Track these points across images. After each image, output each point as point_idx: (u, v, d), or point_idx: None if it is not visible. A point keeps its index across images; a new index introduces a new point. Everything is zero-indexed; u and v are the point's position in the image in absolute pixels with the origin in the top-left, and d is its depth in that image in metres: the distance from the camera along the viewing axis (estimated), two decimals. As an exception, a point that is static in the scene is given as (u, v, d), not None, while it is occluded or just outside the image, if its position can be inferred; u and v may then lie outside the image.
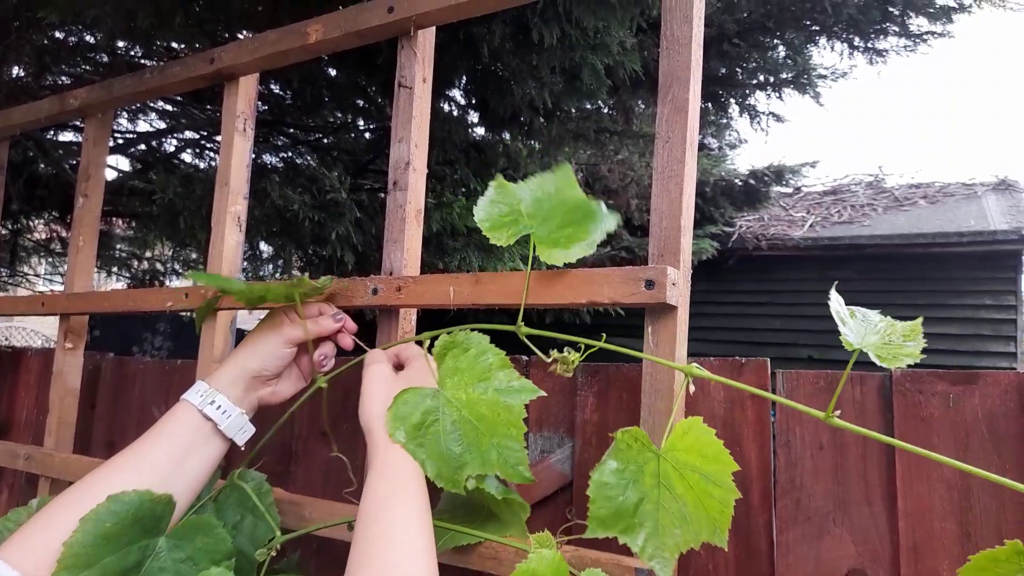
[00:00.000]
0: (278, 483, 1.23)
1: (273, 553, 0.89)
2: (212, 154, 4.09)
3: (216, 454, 0.89)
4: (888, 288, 5.78)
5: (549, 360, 0.84)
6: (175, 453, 0.84)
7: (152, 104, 4.17)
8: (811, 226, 6.36)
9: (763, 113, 3.22)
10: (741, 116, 3.29)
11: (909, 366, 0.74)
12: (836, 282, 0.81)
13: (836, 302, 0.75)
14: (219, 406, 0.87)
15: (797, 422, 0.85)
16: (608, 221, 0.85)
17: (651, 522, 0.73)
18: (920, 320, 0.72)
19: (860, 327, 0.74)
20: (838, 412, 0.71)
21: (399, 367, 0.91)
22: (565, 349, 0.89)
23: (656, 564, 0.73)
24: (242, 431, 0.91)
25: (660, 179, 0.85)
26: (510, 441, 0.80)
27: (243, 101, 1.27)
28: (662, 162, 0.86)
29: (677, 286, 0.82)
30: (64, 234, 4.85)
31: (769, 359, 0.88)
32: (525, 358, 1.01)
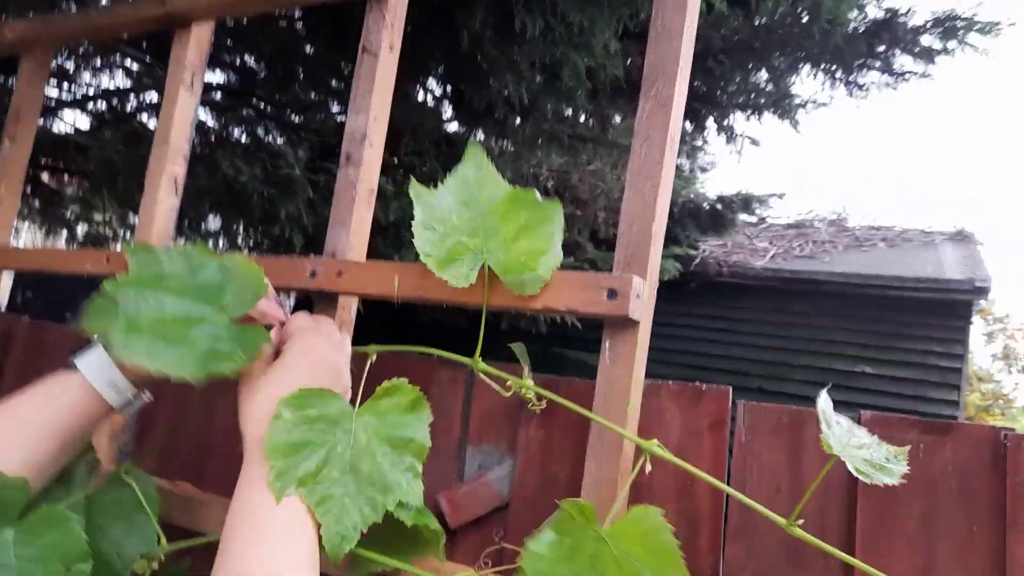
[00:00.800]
0: (192, 479, 1.12)
1: (155, 566, 0.78)
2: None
3: (92, 430, 0.79)
4: (842, 326, 5.84)
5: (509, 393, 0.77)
6: (50, 434, 0.72)
7: (118, 62, 3.99)
8: (772, 257, 6.41)
9: (740, 135, 3.20)
10: (719, 135, 3.26)
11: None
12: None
13: (824, 401, 0.69)
14: (117, 386, 0.76)
15: (755, 460, 0.78)
16: (558, 214, 0.77)
17: None
18: (908, 448, 0.66)
19: (844, 435, 0.67)
20: (801, 521, 0.64)
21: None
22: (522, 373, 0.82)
23: None
24: (135, 405, 0.80)
25: (635, 180, 0.78)
26: (355, 515, 0.68)
27: (194, 51, 1.16)
28: (638, 162, 0.78)
29: (642, 299, 0.74)
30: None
31: (731, 388, 0.81)
32: (465, 362, 0.92)
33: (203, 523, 0.93)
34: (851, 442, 0.67)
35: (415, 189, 0.80)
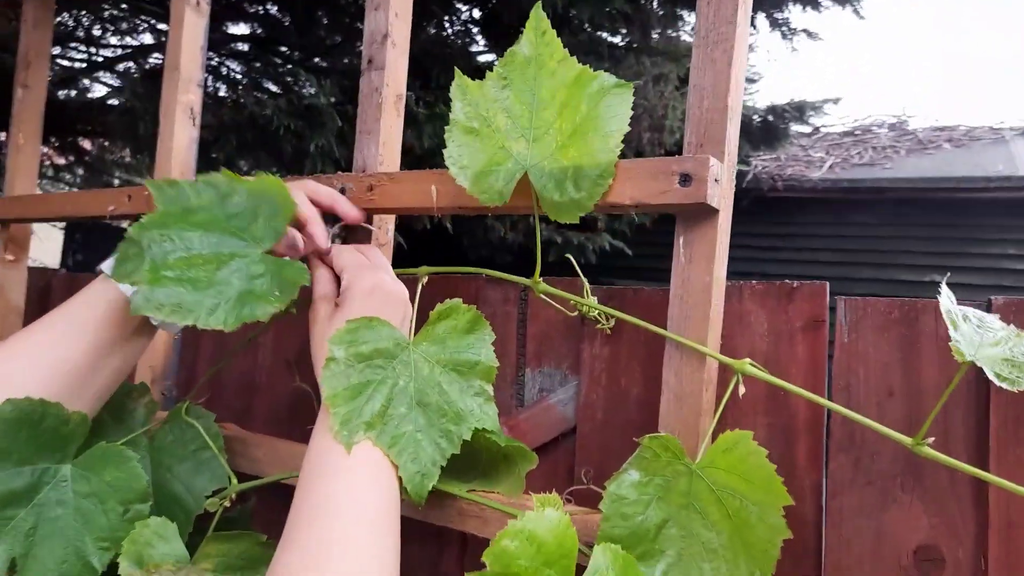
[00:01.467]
0: (238, 419, 1.07)
1: (227, 503, 0.73)
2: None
3: (139, 350, 0.73)
4: (908, 235, 5.54)
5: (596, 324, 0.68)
6: (91, 347, 0.67)
7: (146, 20, 3.92)
8: (830, 167, 6.09)
9: (796, 29, 2.94)
10: (772, 31, 3.01)
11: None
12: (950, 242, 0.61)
13: (947, 298, 0.57)
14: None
15: (861, 362, 0.68)
16: (626, 104, 0.65)
17: (674, 550, 0.59)
18: None
19: (975, 334, 0.56)
20: (931, 440, 0.54)
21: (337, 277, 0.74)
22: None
23: None
24: None
25: (702, 47, 0.66)
26: (431, 450, 0.64)
27: (194, -35, 1.06)
28: (706, 24, 0.66)
29: (721, 183, 0.63)
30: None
31: (828, 283, 0.70)
32: (524, 283, 0.83)
33: (253, 464, 0.88)
34: (984, 340, 0.56)
35: (459, 81, 0.69)
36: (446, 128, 0.70)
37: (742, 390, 0.62)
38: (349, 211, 0.78)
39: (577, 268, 0.77)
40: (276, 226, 0.69)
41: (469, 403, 0.66)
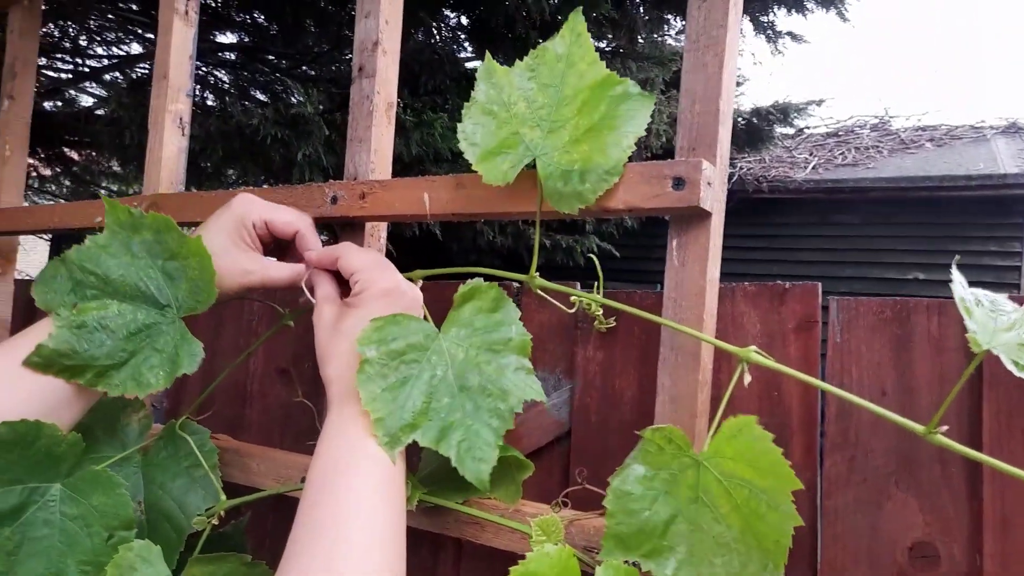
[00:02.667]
0: (229, 429, 1.07)
1: (215, 522, 0.73)
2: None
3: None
4: (891, 233, 5.60)
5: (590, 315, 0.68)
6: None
7: (133, 31, 3.90)
8: (814, 168, 6.15)
9: (781, 32, 2.96)
10: (757, 35, 3.04)
11: (1010, 295, 0.58)
12: (959, 258, 0.61)
13: (959, 285, 0.57)
14: None
15: (854, 361, 0.68)
16: (644, 113, 0.65)
17: (684, 546, 0.57)
18: None
19: (989, 319, 0.55)
20: (944, 428, 0.53)
21: (341, 281, 0.73)
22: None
23: None
24: None
25: (693, 51, 0.66)
26: (484, 432, 0.63)
27: (182, -26, 1.05)
28: (696, 28, 0.67)
29: (713, 187, 0.64)
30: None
31: (820, 284, 0.70)
32: (517, 283, 0.83)
33: (248, 475, 0.88)
34: (999, 324, 0.55)
35: (488, 64, 0.69)
36: (464, 106, 0.69)
37: (747, 379, 0.61)
38: (312, 247, 0.76)
39: (598, 266, 0.77)
40: (199, 301, 0.68)
41: (512, 378, 0.65)
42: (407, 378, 0.62)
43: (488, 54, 0.72)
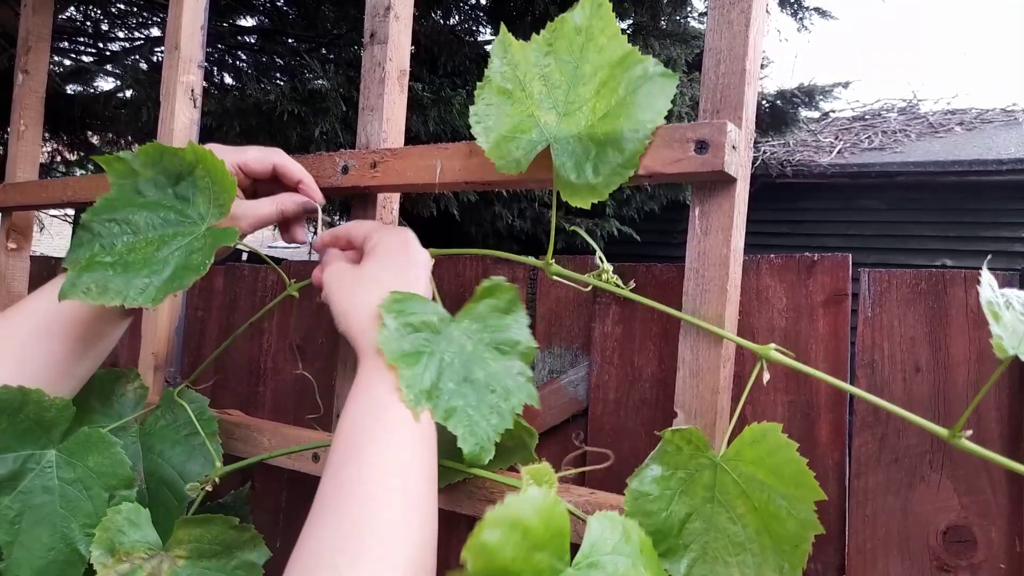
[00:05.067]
0: (244, 406, 1.05)
1: (209, 488, 0.71)
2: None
3: (121, 330, 0.72)
4: (918, 219, 5.48)
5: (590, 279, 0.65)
6: (73, 339, 0.66)
7: (154, 16, 3.91)
8: (839, 152, 6.03)
9: (808, 8, 2.87)
10: (783, 11, 2.95)
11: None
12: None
13: (988, 287, 0.53)
14: None
15: (886, 336, 0.65)
16: (666, 94, 0.61)
17: (699, 545, 0.57)
18: None
19: (1018, 323, 0.52)
20: (968, 432, 0.51)
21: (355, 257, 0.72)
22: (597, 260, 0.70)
23: None
24: None
25: (718, 8, 0.63)
26: (483, 426, 0.61)
27: (192, -58, 1.03)
28: (722, -16, 0.63)
29: (738, 151, 0.61)
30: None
31: (850, 255, 0.67)
32: (535, 263, 0.81)
33: (259, 450, 0.86)
34: None
35: (503, 38, 0.66)
36: (477, 85, 0.67)
37: (766, 376, 0.59)
38: (314, 193, 0.77)
39: (591, 238, 0.74)
40: (222, 204, 0.68)
41: (515, 380, 0.64)
42: (421, 352, 0.61)
43: (503, 26, 0.68)
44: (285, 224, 0.77)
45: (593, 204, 0.62)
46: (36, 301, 0.67)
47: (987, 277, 0.55)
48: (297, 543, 0.50)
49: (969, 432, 0.51)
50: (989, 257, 0.65)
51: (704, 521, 0.57)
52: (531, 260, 0.73)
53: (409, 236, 0.69)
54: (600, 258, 0.70)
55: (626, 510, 0.58)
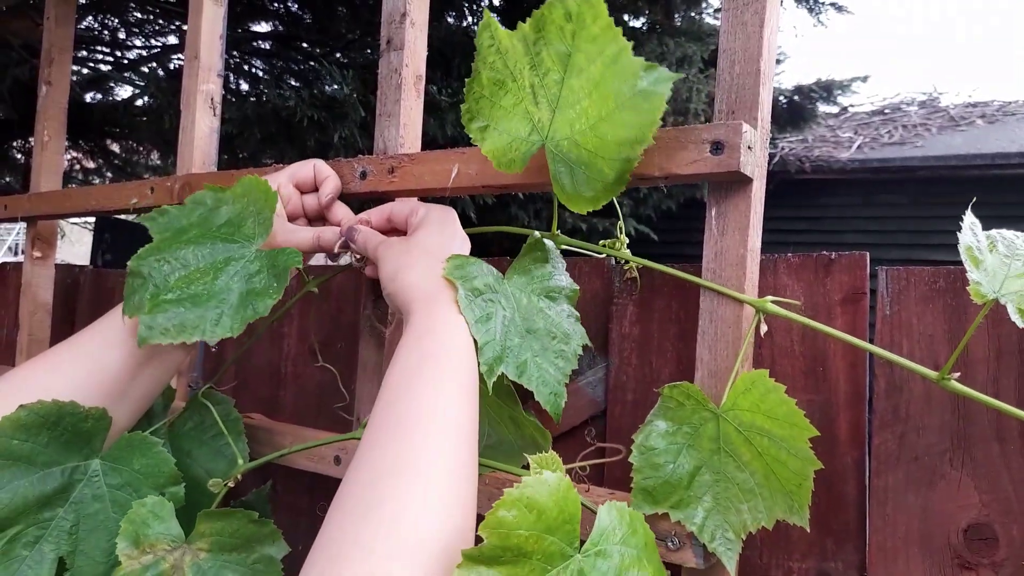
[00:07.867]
0: (265, 410, 1.07)
1: (232, 484, 0.73)
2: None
3: (180, 358, 0.73)
4: (939, 214, 5.40)
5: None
6: (129, 357, 0.67)
7: (170, 24, 3.96)
8: (859, 147, 5.97)
9: (824, 3, 2.85)
10: (798, 6, 2.93)
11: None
12: (975, 207, 0.57)
13: (969, 231, 0.54)
14: None
15: (904, 334, 0.65)
16: (658, 100, 0.57)
17: (711, 496, 0.59)
18: None
19: (1000, 266, 0.52)
20: (956, 374, 0.54)
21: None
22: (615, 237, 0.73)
23: (719, 546, 0.58)
24: None
25: (732, 9, 0.63)
26: (552, 371, 0.66)
27: (210, -47, 1.05)
28: (735, -15, 0.63)
29: (754, 151, 0.61)
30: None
31: (868, 253, 0.67)
32: (542, 233, 0.81)
33: (272, 452, 0.87)
34: (1011, 271, 0.53)
35: (487, 21, 0.63)
36: (467, 81, 0.66)
37: (764, 328, 0.63)
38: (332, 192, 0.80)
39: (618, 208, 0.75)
40: (264, 219, 0.70)
41: (569, 323, 0.69)
42: (490, 315, 0.64)
43: (487, 11, 0.66)
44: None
45: (609, 203, 0.63)
46: (99, 326, 0.70)
47: (969, 219, 0.55)
48: (350, 467, 0.51)
49: (957, 374, 0.54)
50: (973, 200, 0.65)
51: (714, 472, 0.59)
52: (540, 232, 0.73)
53: (454, 212, 0.74)
54: (619, 227, 0.72)
55: (635, 465, 0.60)
